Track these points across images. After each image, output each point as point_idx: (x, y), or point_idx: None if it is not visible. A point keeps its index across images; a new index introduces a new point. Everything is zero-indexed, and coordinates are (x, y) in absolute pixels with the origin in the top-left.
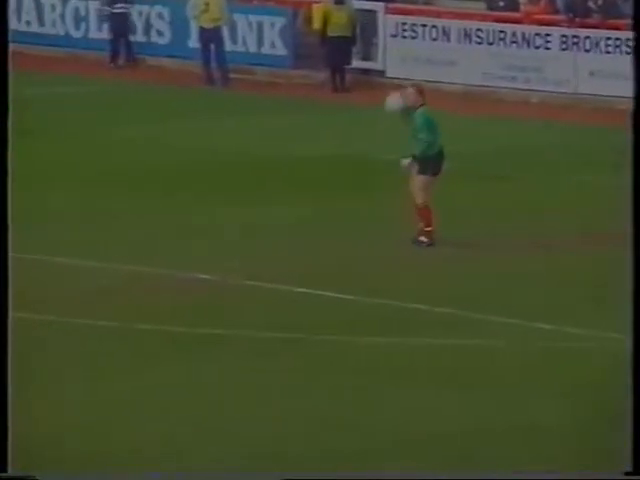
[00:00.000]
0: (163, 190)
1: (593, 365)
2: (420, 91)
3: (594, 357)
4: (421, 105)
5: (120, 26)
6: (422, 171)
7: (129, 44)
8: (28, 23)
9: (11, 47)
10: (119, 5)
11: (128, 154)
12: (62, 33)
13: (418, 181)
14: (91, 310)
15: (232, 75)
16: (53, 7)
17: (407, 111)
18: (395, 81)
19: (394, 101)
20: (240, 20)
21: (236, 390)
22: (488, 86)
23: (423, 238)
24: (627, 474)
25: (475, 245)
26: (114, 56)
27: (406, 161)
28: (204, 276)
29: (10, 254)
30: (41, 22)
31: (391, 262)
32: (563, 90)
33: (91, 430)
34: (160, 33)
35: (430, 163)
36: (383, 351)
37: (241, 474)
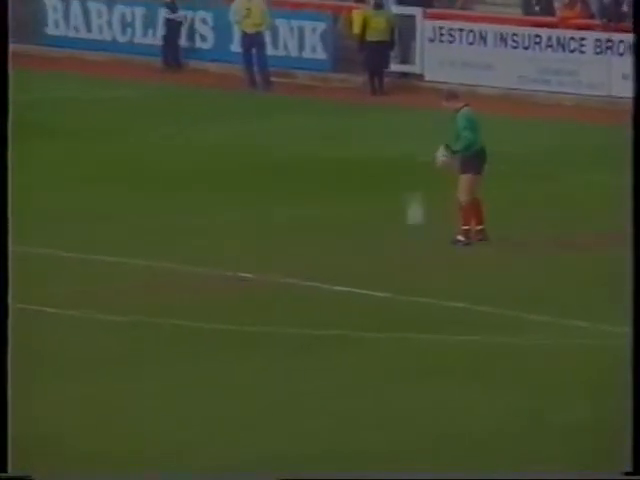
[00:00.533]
0: (209, 188)
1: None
2: (454, 96)
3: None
4: (464, 106)
5: (174, 32)
6: (464, 170)
7: (178, 49)
8: (76, 29)
9: (59, 51)
10: (174, 12)
11: (172, 154)
12: (109, 38)
13: (462, 180)
14: (130, 305)
15: (273, 78)
16: (100, 13)
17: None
18: (433, 84)
19: (440, 158)
20: (282, 25)
21: (276, 388)
22: (524, 89)
23: (460, 237)
24: (627, 474)
25: (514, 243)
26: (166, 60)
27: (440, 153)
28: (245, 274)
29: (67, 253)
30: (89, 28)
31: (431, 261)
32: (597, 93)
33: (125, 427)
34: (204, 38)
35: (471, 161)
36: (422, 348)
37: (241, 474)
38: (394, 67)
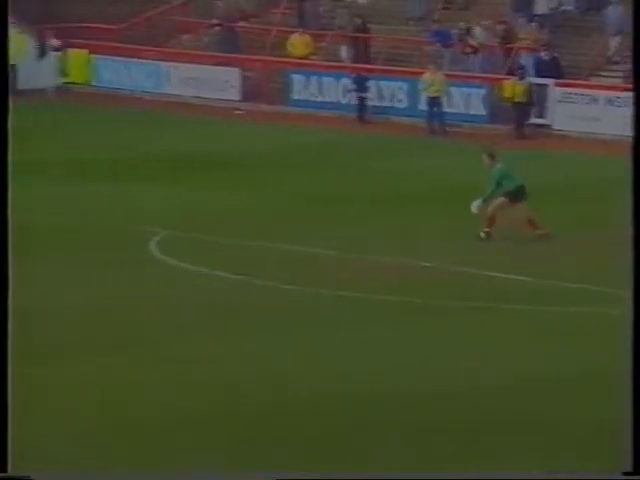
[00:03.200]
0: (410, 205)
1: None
2: (493, 156)
3: None
4: (497, 163)
5: (363, 97)
6: (505, 195)
7: (366, 108)
8: (313, 95)
9: (298, 110)
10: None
11: (380, 181)
12: (335, 101)
13: (499, 200)
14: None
15: (448, 128)
16: (330, 84)
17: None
18: (560, 132)
19: (475, 206)
20: (455, 91)
21: (433, 341)
22: (624, 135)
23: (540, 232)
24: (627, 474)
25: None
26: (361, 116)
27: (476, 204)
28: (425, 264)
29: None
30: (322, 94)
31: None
32: None
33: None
34: (400, 100)
35: (511, 195)
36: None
37: (241, 474)
38: (533, 120)
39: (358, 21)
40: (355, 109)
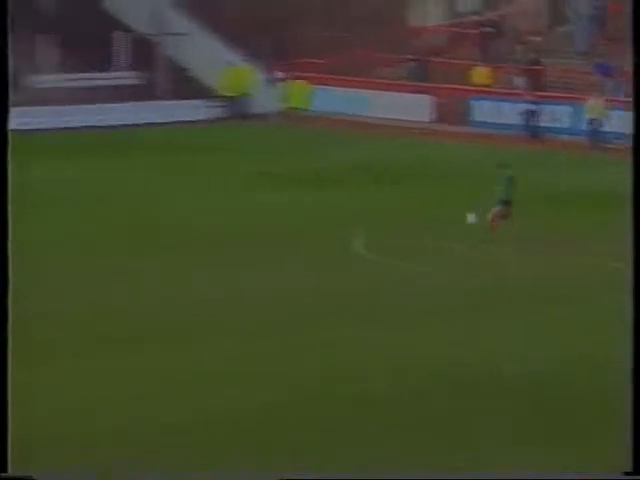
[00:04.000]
0: (554, 207)
1: None
2: (502, 165)
3: None
4: (507, 170)
5: (534, 117)
6: (501, 203)
7: (538, 128)
8: (493, 117)
9: (480, 130)
10: (531, 106)
11: (537, 187)
12: (511, 122)
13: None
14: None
15: (607, 146)
16: (507, 108)
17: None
18: None
19: (471, 218)
20: (614, 114)
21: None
22: None
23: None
24: (627, 474)
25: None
26: (534, 135)
27: (470, 217)
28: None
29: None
30: (500, 116)
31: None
32: None
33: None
34: (563, 121)
35: (504, 203)
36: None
37: (241, 474)
38: None
39: (532, 55)
40: (529, 129)
